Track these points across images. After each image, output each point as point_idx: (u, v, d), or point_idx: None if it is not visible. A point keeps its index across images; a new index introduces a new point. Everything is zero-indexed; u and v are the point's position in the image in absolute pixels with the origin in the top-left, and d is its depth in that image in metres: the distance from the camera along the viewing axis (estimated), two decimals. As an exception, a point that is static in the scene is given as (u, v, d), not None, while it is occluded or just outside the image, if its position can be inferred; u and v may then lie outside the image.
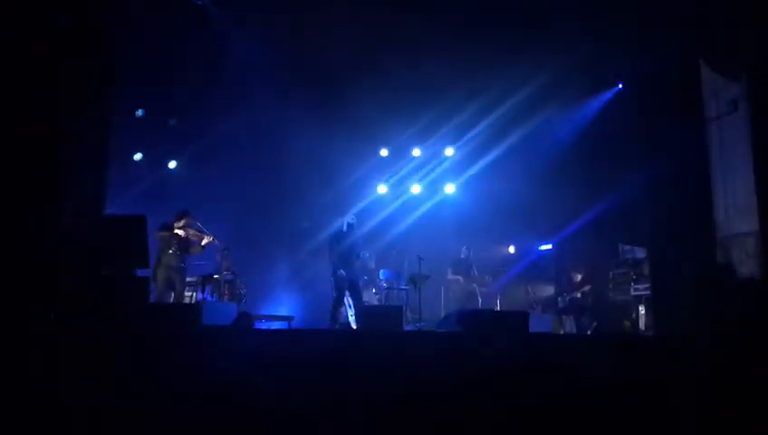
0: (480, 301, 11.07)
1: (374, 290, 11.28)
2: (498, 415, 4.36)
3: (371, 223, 12.06)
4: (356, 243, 9.56)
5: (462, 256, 11.26)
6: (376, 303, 10.94)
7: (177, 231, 8.73)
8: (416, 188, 12.90)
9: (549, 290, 11.77)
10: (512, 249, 12.97)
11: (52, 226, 4.96)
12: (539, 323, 9.04)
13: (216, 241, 9.21)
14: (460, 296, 11.06)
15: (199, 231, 9.03)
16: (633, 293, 9.74)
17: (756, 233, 7.29)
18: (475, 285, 11.10)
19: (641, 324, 9.34)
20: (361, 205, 11.89)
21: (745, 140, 7.53)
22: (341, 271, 9.13)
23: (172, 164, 11.75)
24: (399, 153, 12.77)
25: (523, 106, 10.80)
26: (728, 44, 7.68)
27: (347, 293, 9.25)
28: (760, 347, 4.57)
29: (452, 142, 12.56)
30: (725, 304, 5.52)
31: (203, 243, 8.98)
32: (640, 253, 9.93)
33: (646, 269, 9.49)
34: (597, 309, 10.26)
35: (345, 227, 9.40)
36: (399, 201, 12.79)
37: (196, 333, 5.31)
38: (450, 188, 12.93)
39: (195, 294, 9.78)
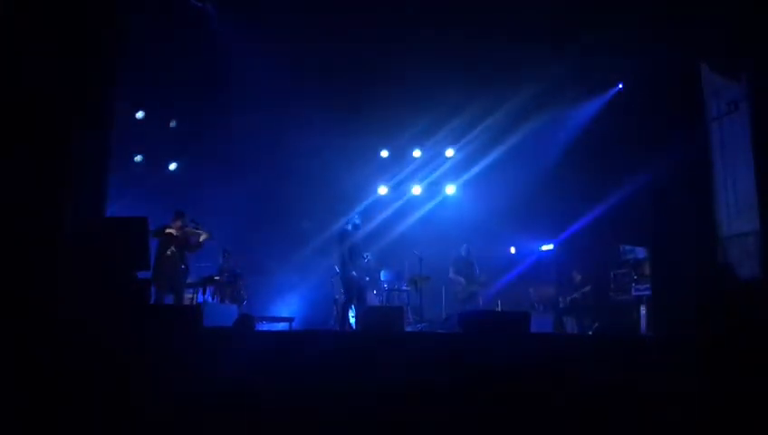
0: (481, 302, 11.05)
1: (375, 291, 11.28)
2: (499, 415, 4.36)
3: (372, 224, 12.09)
4: (361, 243, 9.57)
5: (462, 253, 11.20)
6: (377, 304, 10.93)
7: (169, 231, 8.72)
8: (416, 189, 12.91)
9: (550, 291, 11.75)
10: (513, 250, 12.96)
11: (53, 227, 4.96)
12: (540, 324, 9.05)
13: (212, 238, 9.20)
14: (462, 297, 11.03)
15: (196, 228, 9.03)
16: (634, 293, 9.73)
17: (757, 232, 7.29)
18: (477, 285, 11.08)
19: (642, 325, 9.33)
20: (363, 206, 11.93)
21: (746, 140, 7.53)
22: (354, 273, 9.13)
23: (172, 166, 11.76)
24: (400, 154, 12.78)
25: (524, 106, 10.80)
26: (728, 45, 7.68)
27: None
28: (761, 347, 4.56)
29: (453, 143, 12.57)
30: (726, 304, 5.52)
31: (201, 239, 8.99)
32: (641, 253, 9.93)
33: (647, 269, 9.48)
34: (598, 309, 10.25)
35: (351, 228, 9.37)
36: (400, 202, 12.81)
37: (197, 335, 5.31)
38: (451, 189, 12.95)
39: (196, 295, 9.78)
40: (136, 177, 10.89)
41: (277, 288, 11.71)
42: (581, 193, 11.06)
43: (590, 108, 11.17)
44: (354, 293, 9.15)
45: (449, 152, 12.69)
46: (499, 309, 11.06)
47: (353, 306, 9.41)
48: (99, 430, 4.01)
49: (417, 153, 12.73)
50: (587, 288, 10.39)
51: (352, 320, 9.70)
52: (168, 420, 4.11)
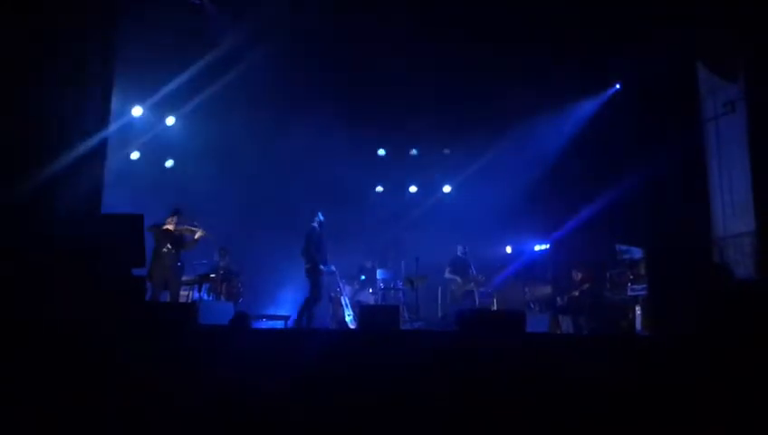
0: (477, 301, 11.07)
1: (371, 290, 11.29)
2: (495, 415, 4.36)
3: (371, 223, 12.11)
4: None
5: (459, 253, 11.23)
6: (373, 302, 10.94)
7: (167, 226, 8.70)
8: (413, 188, 12.93)
9: (546, 290, 11.74)
10: (509, 249, 12.98)
11: (48, 224, 4.95)
12: (536, 323, 9.04)
13: (209, 235, 9.18)
14: (458, 296, 11.06)
15: (191, 226, 9.00)
16: (630, 293, 9.74)
17: (753, 233, 7.31)
18: (472, 284, 11.09)
19: (638, 325, 9.35)
20: (358, 204, 11.94)
21: (742, 141, 7.55)
22: (332, 267, 9.22)
23: (169, 163, 11.73)
24: (397, 153, 12.78)
25: (521, 105, 10.80)
26: (726, 46, 7.69)
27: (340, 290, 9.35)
28: (757, 347, 4.57)
29: (449, 142, 12.57)
30: (722, 305, 5.52)
31: (196, 236, 8.95)
32: (637, 253, 9.94)
33: (643, 269, 9.49)
34: (594, 309, 10.26)
35: (318, 226, 9.35)
36: (397, 201, 12.81)
37: (192, 332, 5.30)
38: (447, 188, 12.97)
39: (191, 293, 9.76)
40: (132, 174, 10.85)
41: (273, 286, 11.69)
42: (577, 193, 11.08)
43: (587, 108, 11.18)
44: (324, 290, 9.23)
45: (446, 151, 12.73)
46: (495, 308, 11.08)
47: (349, 304, 9.45)
48: (95, 429, 3.99)
49: (413, 152, 12.77)
50: (586, 286, 10.40)
51: (349, 318, 9.73)
52: (163, 417, 4.10)
